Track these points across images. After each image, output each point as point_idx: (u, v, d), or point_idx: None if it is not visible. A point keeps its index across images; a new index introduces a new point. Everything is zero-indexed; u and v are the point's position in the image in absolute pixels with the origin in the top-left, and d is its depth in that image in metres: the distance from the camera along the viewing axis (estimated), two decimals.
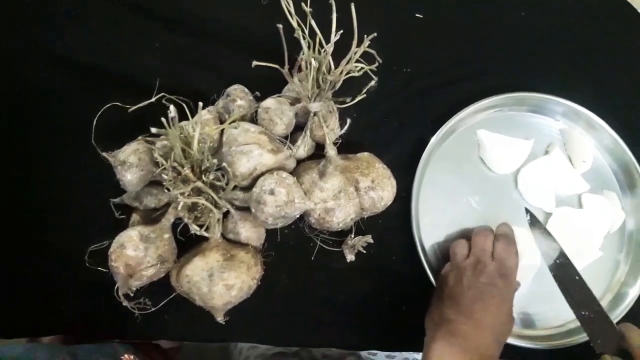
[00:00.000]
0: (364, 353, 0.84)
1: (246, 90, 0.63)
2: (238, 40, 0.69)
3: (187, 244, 0.59)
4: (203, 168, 0.51)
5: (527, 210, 0.65)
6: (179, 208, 0.51)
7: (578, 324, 0.59)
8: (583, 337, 0.62)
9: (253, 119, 0.63)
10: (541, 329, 0.65)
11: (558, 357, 0.63)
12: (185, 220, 0.53)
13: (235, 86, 0.62)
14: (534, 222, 0.64)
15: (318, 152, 0.64)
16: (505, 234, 0.62)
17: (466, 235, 0.65)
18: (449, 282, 0.58)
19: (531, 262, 0.64)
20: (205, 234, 0.55)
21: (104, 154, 0.57)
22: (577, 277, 0.60)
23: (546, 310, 0.65)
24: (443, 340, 0.53)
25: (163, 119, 0.46)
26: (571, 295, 0.59)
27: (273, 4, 0.53)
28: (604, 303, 0.65)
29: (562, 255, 0.61)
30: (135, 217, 0.59)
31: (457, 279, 0.57)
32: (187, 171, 0.47)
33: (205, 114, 0.59)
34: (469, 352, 0.52)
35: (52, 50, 0.69)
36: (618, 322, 0.63)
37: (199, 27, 0.70)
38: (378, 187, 0.59)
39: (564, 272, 0.60)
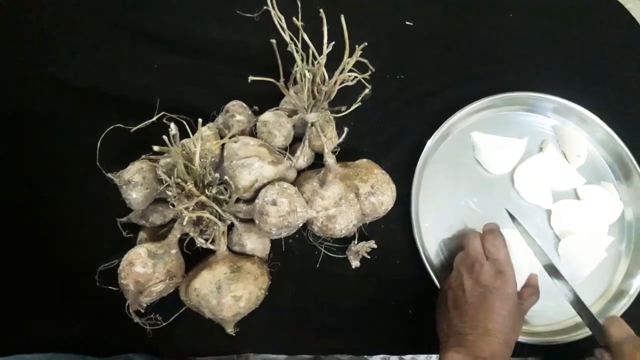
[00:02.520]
0: (375, 359, 0.84)
1: (244, 105, 0.64)
2: (234, 58, 0.71)
3: (195, 258, 0.60)
4: (206, 182, 0.53)
5: (509, 212, 0.66)
6: (184, 223, 0.52)
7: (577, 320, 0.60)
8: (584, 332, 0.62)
9: (253, 133, 0.64)
10: (541, 325, 0.65)
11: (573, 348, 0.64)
12: (191, 234, 0.54)
13: (234, 102, 0.64)
14: (515, 222, 0.65)
15: (318, 162, 0.65)
16: (490, 230, 0.62)
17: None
18: (452, 288, 0.59)
19: (524, 259, 0.64)
20: (212, 247, 0.56)
21: (109, 174, 0.58)
22: (563, 281, 0.60)
23: (550, 307, 0.65)
24: (452, 351, 0.53)
25: (165, 137, 0.47)
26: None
27: (265, 19, 0.54)
28: (608, 295, 0.66)
29: (546, 257, 0.62)
30: (142, 235, 0.61)
31: (459, 283, 0.58)
32: (190, 186, 0.48)
33: (205, 131, 0.61)
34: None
35: (53, 76, 0.70)
36: (624, 313, 0.64)
37: (195, 47, 0.72)
38: (378, 192, 0.60)
39: (555, 279, 0.61)
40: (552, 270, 0.61)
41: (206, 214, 0.52)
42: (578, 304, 0.59)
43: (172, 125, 0.46)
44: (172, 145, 0.48)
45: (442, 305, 0.60)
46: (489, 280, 0.56)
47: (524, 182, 0.69)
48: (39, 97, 0.70)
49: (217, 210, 0.53)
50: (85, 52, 0.71)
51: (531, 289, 0.61)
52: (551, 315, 0.65)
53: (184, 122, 0.55)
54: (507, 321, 0.55)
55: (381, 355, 0.84)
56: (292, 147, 0.64)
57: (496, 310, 0.55)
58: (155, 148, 0.46)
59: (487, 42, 0.76)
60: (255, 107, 0.66)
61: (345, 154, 0.66)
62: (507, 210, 0.66)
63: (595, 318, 0.58)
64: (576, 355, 0.65)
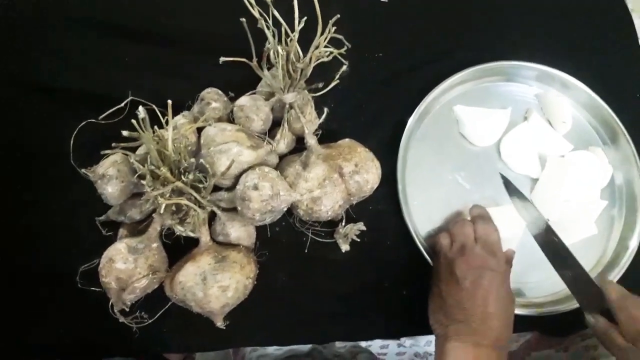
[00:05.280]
0: (375, 349, 0.83)
1: (220, 92, 0.63)
2: (206, 46, 0.69)
3: (178, 253, 0.58)
4: (181, 168, 0.51)
5: (503, 177, 0.65)
6: (162, 212, 0.50)
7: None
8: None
9: (230, 120, 0.62)
10: (534, 297, 0.65)
11: (551, 324, 0.64)
12: (169, 222, 0.52)
13: (209, 89, 0.62)
14: (509, 187, 0.65)
15: (299, 146, 0.63)
16: (479, 214, 0.62)
17: (458, 212, 0.66)
18: (443, 277, 0.57)
19: (513, 233, 0.64)
20: (191, 234, 0.54)
21: (82, 170, 0.56)
22: (555, 238, 0.60)
23: (541, 279, 0.65)
24: (454, 340, 0.52)
25: (133, 121, 0.45)
26: (552, 256, 0.60)
27: (235, 3, 0.53)
28: (604, 261, 0.65)
29: (541, 219, 0.61)
30: (122, 231, 0.59)
31: (449, 271, 0.56)
32: (164, 170, 0.47)
33: (181, 119, 0.59)
34: (483, 346, 0.52)
35: (22, 76, 0.68)
36: (621, 277, 0.63)
37: (166, 38, 0.70)
38: (362, 170, 0.58)
39: (544, 235, 0.61)
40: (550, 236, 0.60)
41: (183, 201, 0.50)
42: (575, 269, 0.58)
43: (141, 108, 0.44)
44: (142, 130, 0.46)
45: (435, 296, 0.58)
46: (482, 262, 0.55)
47: (510, 152, 0.68)
48: (7, 99, 0.68)
49: (195, 197, 0.52)
50: (53, 50, 0.69)
51: (508, 258, 0.59)
52: (547, 287, 0.64)
53: (157, 111, 0.53)
54: (505, 301, 0.54)
55: (380, 343, 0.83)
56: (271, 132, 0.63)
57: (493, 292, 0.53)
58: (124, 133, 0.45)
59: (463, 14, 0.75)
60: (231, 94, 0.64)
61: (326, 136, 0.64)
62: (501, 174, 0.65)
63: (593, 281, 0.57)
64: (570, 325, 0.64)
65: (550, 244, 0.61)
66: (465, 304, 0.53)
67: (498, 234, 0.58)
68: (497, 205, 0.65)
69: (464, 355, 0.51)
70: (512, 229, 0.64)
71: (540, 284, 0.65)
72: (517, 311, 0.60)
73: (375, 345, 0.82)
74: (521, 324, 0.63)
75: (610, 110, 0.67)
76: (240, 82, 0.64)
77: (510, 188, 0.65)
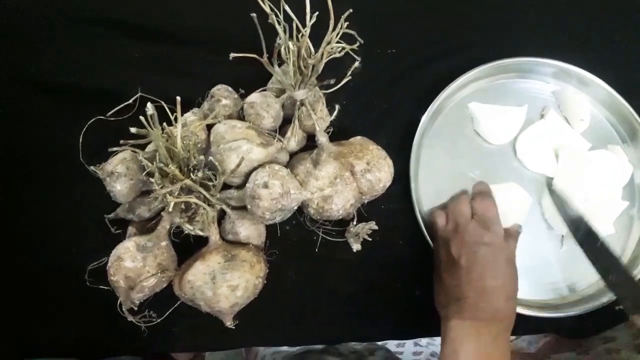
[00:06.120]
0: (392, 347, 0.82)
1: (230, 89, 0.62)
2: (215, 43, 0.68)
3: (188, 252, 0.58)
4: (190, 166, 0.50)
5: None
6: (171, 210, 0.49)
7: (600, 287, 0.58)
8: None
9: (240, 117, 0.61)
10: (550, 298, 0.63)
11: (586, 322, 0.62)
12: (178, 221, 0.52)
13: (219, 86, 0.61)
14: (552, 191, 0.64)
15: (310, 144, 0.62)
16: (479, 190, 0.61)
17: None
18: (442, 257, 0.57)
19: (519, 210, 0.63)
20: (200, 233, 0.53)
21: (91, 167, 0.56)
22: (600, 242, 0.58)
23: (558, 280, 0.64)
24: (454, 319, 0.52)
25: (142, 118, 0.44)
26: (596, 259, 0.58)
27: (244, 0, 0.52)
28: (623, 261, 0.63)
29: (583, 221, 0.60)
30: (131, 229, 0.58)
31: (446, 250, 0.56)
32: (173, 168, 0.46)
33: (190, 116, 0.58)
34: (483, 321, 0.51)
35: (30, 74, 0.68)
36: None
37: (174, 35, 0.69)
38: (374, 169, 0.57)
39: (588, 238, 0.59)
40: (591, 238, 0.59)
41: (193, 199, 0.49)
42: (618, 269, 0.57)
43: (149, 104, 0.43)
44: (150, 127, 0.45)
45: (436, 278, 0.58)
46: (476, 237, 0.54)
47: (526, 150, 0.66)
48: (14, 97, 0.67)
49: (204, 196, 0.51)
50: (61, 47, 0.68)
51: (512, 232, 0.58)
52: (564, 288, 0.63)
53: (166, 107, 0.52)
54: (503, 275, 0.53)
55: (396, 341, 0.81)
56: (282, 129, 0.62)
57: (489, 266, 0.53)
58: (133, 130, 0.44)
59: (478, 8, 0.73)
60: (242, 90, 0.63)
61: (337, 133, 0.63)
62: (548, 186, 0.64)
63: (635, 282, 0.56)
64: (587, 327, 0.63)
65: (593, 247, 0.59)
66: (463, 282, 0.53)
67: (496, 209, 0.57)
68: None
69: (464, 332, 0.51)
70: (517, 206, 0.63)
71: (557, 285, 0.64)
72: (533, 313, 0.60)
73: (391, 343, 0.81)
74: (537, 325, 0.63)
75: (630, 108, 0.65)
76: (251, 79, 0.63)
77: (551, 189, 0.64)
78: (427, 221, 0.63)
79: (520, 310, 0.58)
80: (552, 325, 0.64)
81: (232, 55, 0.52)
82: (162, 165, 0.47)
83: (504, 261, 0.54)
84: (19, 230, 0.62)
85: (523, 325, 0.59)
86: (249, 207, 0.54)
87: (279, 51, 0.54)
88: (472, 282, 0.52)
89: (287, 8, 0.51)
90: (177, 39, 0.69)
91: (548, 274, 0.64)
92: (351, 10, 0.51)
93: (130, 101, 0.57)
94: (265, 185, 0.52)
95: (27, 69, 0.68)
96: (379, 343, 0.80)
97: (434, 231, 0.60)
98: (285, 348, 0.74)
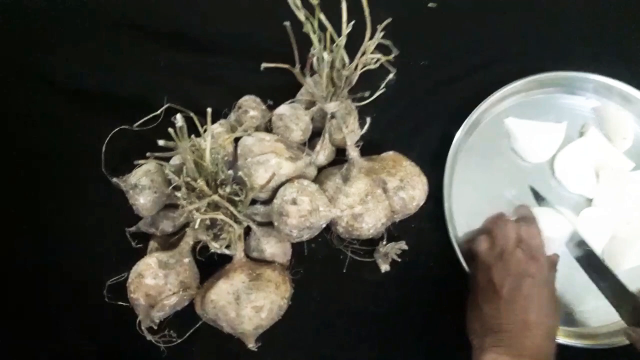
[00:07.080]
0: None
1: (258, 100, 0.60)
2: (244, 51, 0.66)
3: (211, 268, 0.56)
4: (218, 181, 0.48)
5: (532, 189, 0.63)
6: (197, 226, 0.47)
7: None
8: None
9: (268, 129, 0.60)
10: (588, 326, 0.60)
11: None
12: (204, 238, 0.49)
13: (246, 97, 0.60)
14: (538, 197, 0.62)
15: (339, 158, 0.60)
16: (524, 215, 0.59)
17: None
18: (481, 284, 0.53)
19: (559, 236, 0.60)
20: (227, 252, 0.51)
21: (114, 179, 0.54)
22: (589, 249, 0.57)
23: (597, 307, 0.59)
24: (491, 352, 0.48)
25: (170, 130, 0.42)
26: (588, 269, 0.57)
27: (276, 7, 0.50)
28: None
29: (574, 233, 0.58)
30: (152, 244, 0.56)
31: (487, 277, 0.53)
32: (201, 183, 0.44)
33: (217, 128, 0.57)
34: (522, 357, 0.48)
35: (56, 78, 0.67)
36: None
37: (202, 43, 0.68)
38: (408, 186, 0.55)
39: (579, 249, 0.58)
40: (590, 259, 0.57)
41: (220, 216, 0.47)
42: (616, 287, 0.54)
43: (178, 116, 0.41)
44: (179, 139, 0.43)
45: (471, 304, 0.54)
46: (522, 267, 0.51)
47: (565, 170, 0.63)
48: (41, 100, 0.67)
49: (231, 212, 0.48)
50: (88, 53, 0.68)
51: (552, 262, 0.56)
52: (602, 315, 0.59)
53: (195, 118, 0.50)
54: (547, 310, 0.50)
55: None
56: (310, 142, 0.60)
57: (534, 299, 0.50)
58: (161, 142, 0.42)
59: (515, 21, 0.71)
60: (270, 102, 0.61)
61: (367, 147, 0.61)
62: (531, 188, 0.62)
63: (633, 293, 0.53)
64: None
65: (586, 257, 0.57)
66: (503, 313, 0.50)
67: (542, 237, 0.55)
68: None
69: None
70: (557, 234, 0.60)
71: (595, 312, 0.60)
72: (569, 342, 0.57)
73: None
74: (573, 356, 0.59)
75: None
76: (278, 89, 0.61)
77: (539, 198, 0.62)
78: (460, 242, 0.60)
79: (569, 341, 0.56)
80: (589, 356, 0.60)
81: (263, 65, 0.50)
82: (189, 179, 0.45)
83: (547, 295, 0.51)
84: (38, 240, 0.62)
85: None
86: (275, 223, 0.52)
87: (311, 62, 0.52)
88: (514, 315, 0.49)
89: (322, 16, 0.49)
90: (205, 46, 0.68)
91: (584, 299, 0.60)
92: (390, 19, 0.49)
93: (159, 112, 0.55)
94: (294, 202, 0.50)
95: (53, 74, 0.67)
96: None
97: (474, 254, 0.56)
98: None
